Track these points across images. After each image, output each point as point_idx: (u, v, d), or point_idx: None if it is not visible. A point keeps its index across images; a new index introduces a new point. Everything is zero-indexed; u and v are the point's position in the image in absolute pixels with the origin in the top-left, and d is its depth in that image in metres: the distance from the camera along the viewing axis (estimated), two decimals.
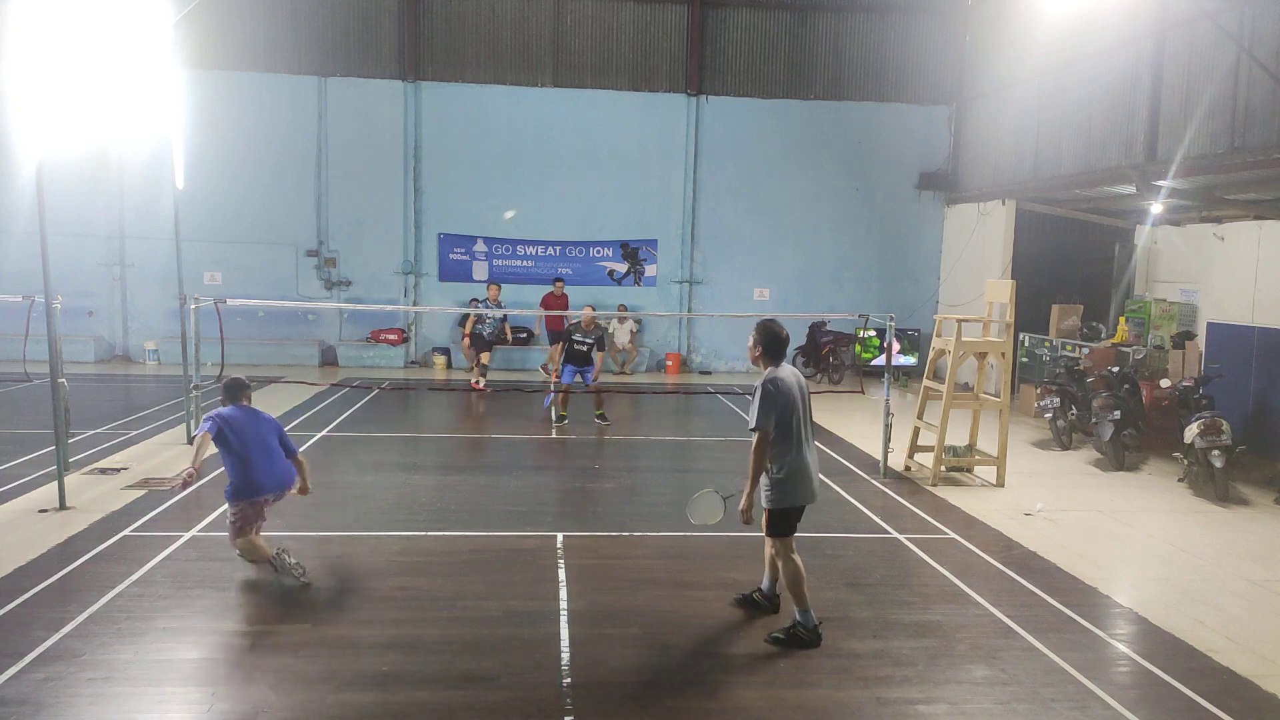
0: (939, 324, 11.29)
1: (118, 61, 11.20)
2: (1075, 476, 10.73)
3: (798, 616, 5.70)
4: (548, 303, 17.56)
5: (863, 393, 13.42)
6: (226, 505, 6.66)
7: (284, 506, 8.41)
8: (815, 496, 5.80)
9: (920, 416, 10.70)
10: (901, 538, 8.06)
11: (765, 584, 6.24)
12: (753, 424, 5.58)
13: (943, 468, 10.13)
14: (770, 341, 5.75)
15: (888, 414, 10.23)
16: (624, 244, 19.07)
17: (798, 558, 5.73)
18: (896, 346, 17.30)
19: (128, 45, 11.09)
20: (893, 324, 10.64)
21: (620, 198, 18.91)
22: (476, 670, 5.28)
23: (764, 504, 5.76)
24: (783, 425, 5.59)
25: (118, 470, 9.53)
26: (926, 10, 18.84)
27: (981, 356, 10.87)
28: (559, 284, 17.81)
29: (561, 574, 6.84)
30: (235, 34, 17.68)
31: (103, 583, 6.38)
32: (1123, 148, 13.22)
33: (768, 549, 6.03)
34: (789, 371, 5.75)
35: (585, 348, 12.69)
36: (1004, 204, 16.81)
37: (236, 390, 6.88)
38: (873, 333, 18.02)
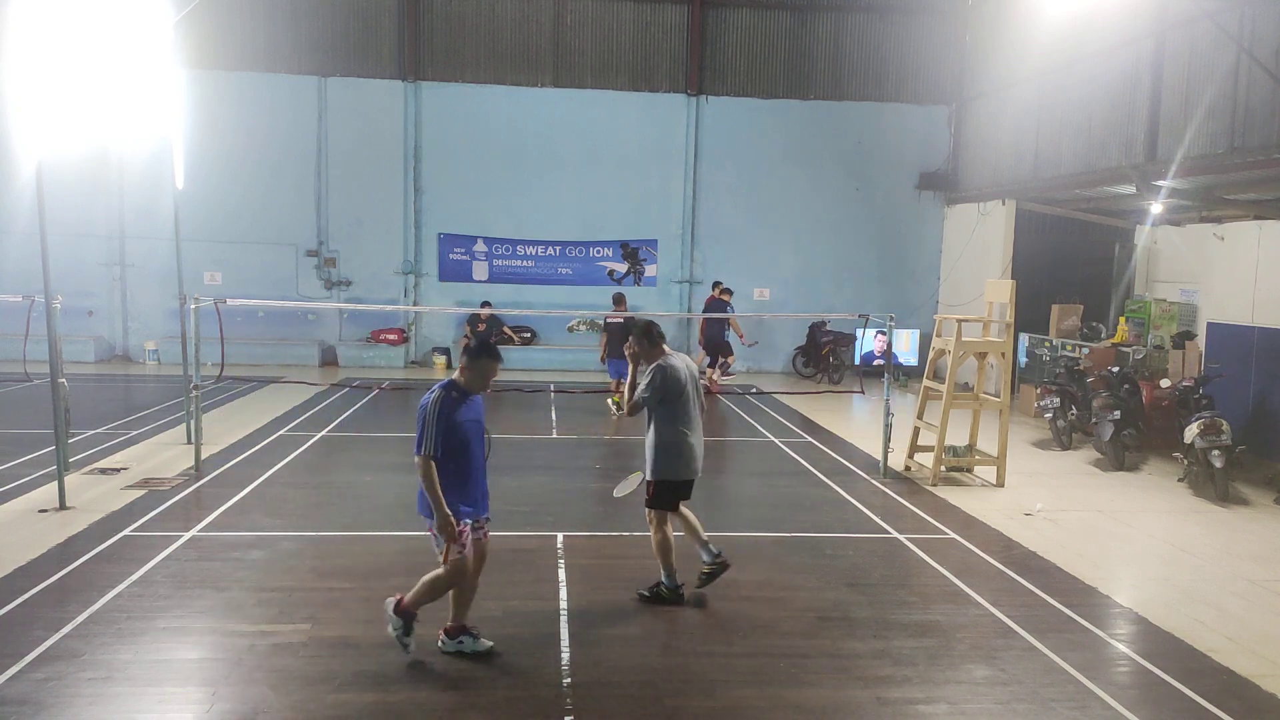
0: (939, 324, 11.29)
1: (118, 62, 11.19)
2: (1075, 476, 10.73)
3: (663, 579, 6.35)
4: (709, 306, 16.69)
5: (863, 393, 13.43)
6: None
7: (282, 506, 8.46)
8: (697, 473, 6.37)
9: (920, 416, 10.70)
10: (901, 538, 8.06)
11: (703, 555, 6.45)
12: (643, 399, 6.23)
13: (943, 468, 10.13)
14: (646, 335, 6.37)
15: (888, 414, 10.22)
16: (624, 244, 19.07)
17: (668, 529, 6.32)
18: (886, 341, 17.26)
19: (128, 45, 11.08)
20: (893, 324, 10.64)
21: (620, 198, 18.91)
22: (476, 670, 5.28)
23: (647, 475, 6.31)
24: (672, 405, 6.17)
25: (118, 470, 9.52)
26: (926, 10, 18.84)
27: (981, 356, 10.87)
28: (718, 287, 16.69)
29: (561, 574, 6.85)
30: (235, 34, 17.68)
31: (103, 583, 6.37)
32: (1123, 148, 13.22)
33: (680, 523, 6.45)
34: (678, 359, 6.33)
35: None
36: (1004, 204, 16.81)
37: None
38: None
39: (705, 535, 6.49)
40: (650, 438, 6.28)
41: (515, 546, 7.48)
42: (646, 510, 6.39)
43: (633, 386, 6.35)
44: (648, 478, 6.32)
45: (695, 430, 6.31)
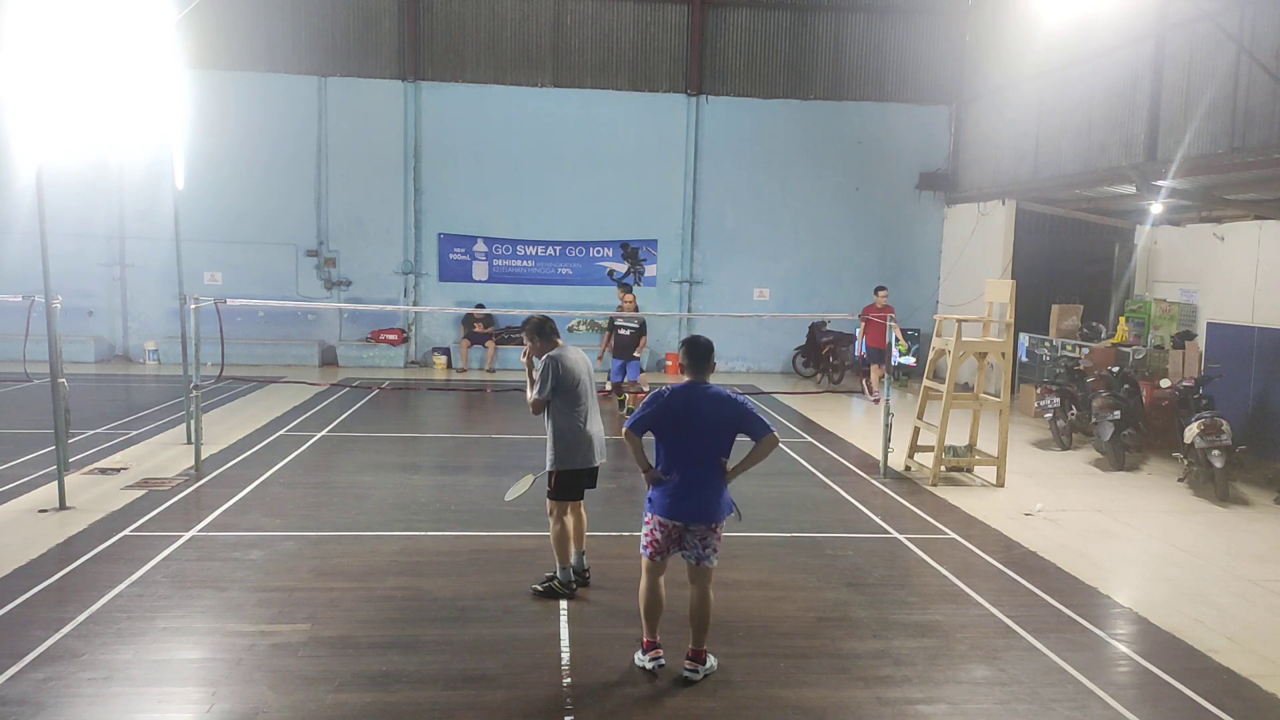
0: (939, 324, 11.29)
1: (118, 61, 11.20)
2: (1075, 476, 10.73)
3: (557, 573, 6.45)
4: (868, 313, 14.58)
5: (863, 393, 13.42)
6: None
7: (282, 506, 8.46)
8: (595, 462, 6.44)
9: (920, 416, 10.70)
10: (901, 538, 8.06)
11: (574, 559, 6.58)
12: (540, 395, 6.29)
13: (943, 468, 10.13)
14: (539, 330, 6.46)
15: (888, 414, 10.22)
16: (624, 244, 19.07)
17: (568, 521, 6.43)
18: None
19: (128, 45, 11.09)
20: (893, 324, 10.63)
21: (620, 198, 18.91)
22: (476, 670, 5.28)
23: (547, 466, 6.39)
24: (567, 396, 6.24)
25: (118, 470, 9.53)
26: (926, 10, 18.84)
27: (981, 356, 10.87)
28: (882, 293, 15.58)
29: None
30: (235, 34, 17.67)
31: (103, 583, 6.37)
32: (1123, 148, 13.21)
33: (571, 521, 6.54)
34: (572, 351, 6.40)
35: (628, 332, 13.13)
36: (1004, 204, 16.81)
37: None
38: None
39: (584, 548, 6.63)
40: (548, 429, 6.36)
41: (515, 546, 7.49)
42: (548, 501, 6.45)
43: (531, 384, 6.42)
44: (548, 468, 6.39)
45: (592, 419, 6.38)
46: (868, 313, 14.66)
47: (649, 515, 5.33)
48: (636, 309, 13.91)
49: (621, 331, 13.24)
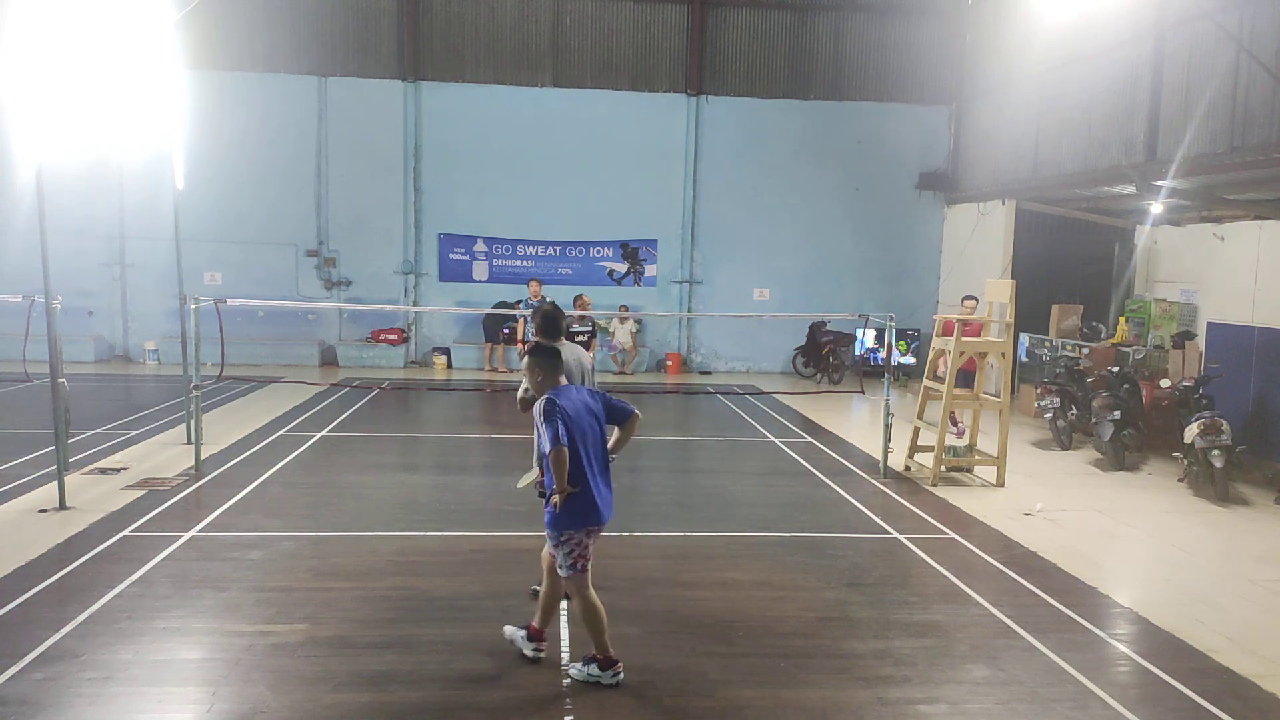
0: (939, 324, 11.28)
1: (118, 61, 11.19)
2: (1075, 476, 10.72)
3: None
4: (951, 327, 11.72)
5: (863, 393, 13.42)
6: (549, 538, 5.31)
7: (282, 506, 8.46)
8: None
9: (920, 416, 10.69)
10: (901, 538, 8.06)
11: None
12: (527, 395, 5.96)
13: (943, 468, 10.13)
14: (545, 323, 6.17)
15: (888, 414, 10.22)
16: (624, 244, 19.08)
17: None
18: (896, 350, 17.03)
19: (128, 45, 11.08)
20: (893, 324, 10.63)
21: (620, 198, 18.91)
22: (475, 670, 5.28)
23: (533, 464, 6.13)
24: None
25: (118, 470, 9.52)
26: (926, 10, 18.84)
27: (981, 356, 10.86)
28: (970, 303, 12.45)
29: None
30: (235, 34, 17.67)
31: (103, 583, 6.37)
32: (1123, 147, 13.21)
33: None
34: (567, 352, 6.04)
35: (584, 337, 12.70)
36: (1004, 204, 16.81)
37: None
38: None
39: None
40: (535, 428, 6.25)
41: (515, 546, 7.48)
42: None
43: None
44: (534, 465, 6.26)
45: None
46: (952, 326, 11.51)
47: (569, 533, 5.11)
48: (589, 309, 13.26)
49: (577, 338, 12.21)
